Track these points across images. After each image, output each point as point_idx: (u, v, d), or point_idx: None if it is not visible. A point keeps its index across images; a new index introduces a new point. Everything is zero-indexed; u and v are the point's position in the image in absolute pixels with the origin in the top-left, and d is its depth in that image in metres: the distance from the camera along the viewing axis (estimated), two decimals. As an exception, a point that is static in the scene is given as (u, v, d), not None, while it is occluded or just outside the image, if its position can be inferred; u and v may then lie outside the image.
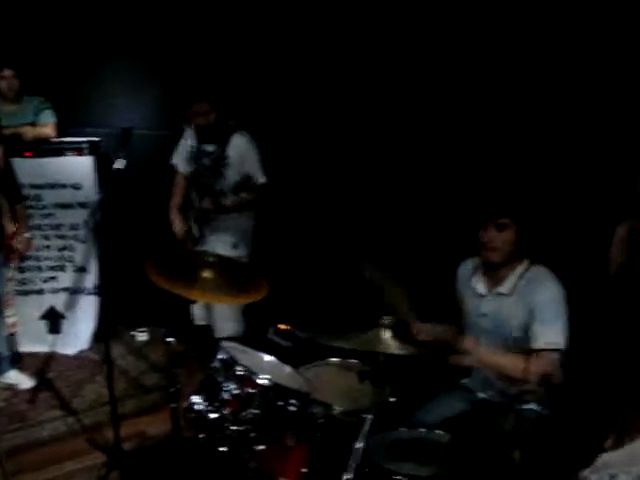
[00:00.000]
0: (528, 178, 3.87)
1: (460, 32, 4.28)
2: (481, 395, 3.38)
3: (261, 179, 4.69)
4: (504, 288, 3.23)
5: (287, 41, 5.28)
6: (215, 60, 5.54)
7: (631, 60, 3.51)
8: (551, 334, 3.04)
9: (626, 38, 3.53)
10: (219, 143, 4.74)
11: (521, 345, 3.11)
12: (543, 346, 3.04)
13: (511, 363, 3.07)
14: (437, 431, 3.05)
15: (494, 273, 3.27)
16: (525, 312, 3.13)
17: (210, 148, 4.78)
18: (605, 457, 1.66)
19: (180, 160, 4.97)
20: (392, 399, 3.24)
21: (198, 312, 5.02)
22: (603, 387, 2.33)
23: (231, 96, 4.84)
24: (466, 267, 3.48)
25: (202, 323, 5.00)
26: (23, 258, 5.07)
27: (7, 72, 5.34)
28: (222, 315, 4.80)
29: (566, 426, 2.91)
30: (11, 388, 4.89)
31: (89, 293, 5.36)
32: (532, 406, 3.09)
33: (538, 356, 3.03)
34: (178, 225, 4.90)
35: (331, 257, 4.97)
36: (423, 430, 3.07)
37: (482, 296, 3.31)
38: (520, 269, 3.23)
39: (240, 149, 4.71)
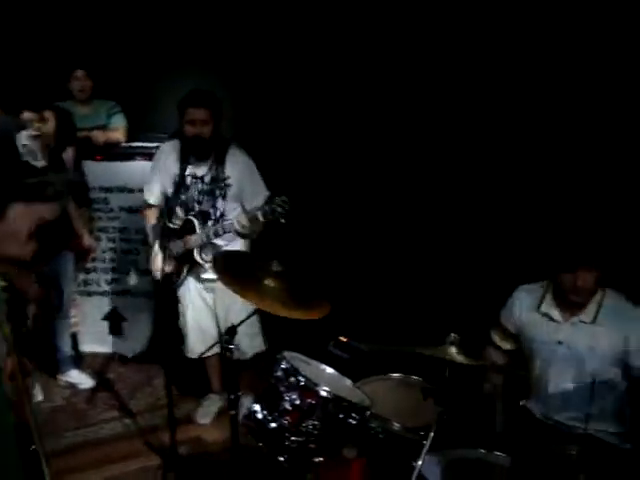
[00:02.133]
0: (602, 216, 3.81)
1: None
2: (544, 418, 3.33)
3: (265, 193, 4.17)
4: (586, 317, 3.20)
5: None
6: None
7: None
8: None
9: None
10: (214, 162, 4.23)
11: (598, 374, 3.07)
12: None
13: None
14: (497, 452, 3.02)
15: (570, 302, 3.23)
16: (618, 343, 3.13)
17: (201, 170, 4.25)
18: None
19: (157, 193, 4.41)
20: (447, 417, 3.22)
21: (194, 342, 4.48)
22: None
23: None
24: (529, 291, 3.43)
25: (194, 357, 4.49)
26: (88, 259, 5.14)
27: (79, 72, 5.41)
28: (249, 333, 4.26)
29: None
30: (72, 387, 4.98)
31: (150, 297, 5.40)
32: (607, 436, 3.13)
33: None
34: (159, 264, 4.23)
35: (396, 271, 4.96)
36: (483, 451, 3.04)
37: (557, 323, 3.26)
38: (598, 296, 3.20)
39: (239, 166, 4.24)
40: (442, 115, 4.72)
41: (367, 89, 5.14)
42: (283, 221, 3.77)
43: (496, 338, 3.52)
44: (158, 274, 4.27)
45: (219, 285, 3.84)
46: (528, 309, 3.38)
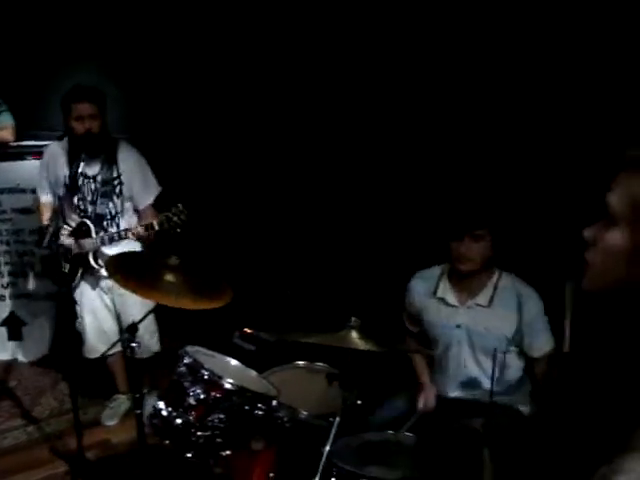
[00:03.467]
0: (499, 186, 3.88)
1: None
2: (450, 394, 3.38)
3: (157, 189, 4.19)
4: (481, 299, 3.26)
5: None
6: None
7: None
8: (548, 341, 3.22)
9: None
10: (105, 161, 4.13)
11: (497, 354, 3.12)
12: (545, 353, 3.23)
13: None
14: (405, 433, 3.04)
15: (465, 283, 3.28)
16: (512, 324, 3.21)
17: (93, 170, 4.13)
18: None
19: (43, 189, 4.34)
20: (359, 402, 3.23)
21: (95, 343, 4.37)
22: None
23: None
24: (424, 278, 3.47)
25: (95, 356, 4.34)
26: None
27: None
28: (149, 330, 4.26)
29: (552, 426, 2.93)
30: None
31: (49, 299, 5.26)
32: (511, 404, 3.25)
33: (540, 362, 3.26)
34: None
35: (294, 259, 4.97)
36: (391, 432, 3.06)
37: (454, 307, 3.31)
38: (493, 279, 3.27)
39: (130, 163, 4.16)
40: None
41: (255, 78, 5.13)
42: (179, 231, 3.74)
43: (407, 323, 3.57)
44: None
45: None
46: (424, 295, 3.42)
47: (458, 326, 3.28)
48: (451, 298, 3.31)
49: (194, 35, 5.38)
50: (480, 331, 3.24)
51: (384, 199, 4.57)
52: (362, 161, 4.67)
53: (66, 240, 4.09)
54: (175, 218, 3.73)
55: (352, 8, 4.55)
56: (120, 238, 4.00)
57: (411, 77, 4.37)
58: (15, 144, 5.29)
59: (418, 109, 4.33)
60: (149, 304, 3.79)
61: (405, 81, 4.42)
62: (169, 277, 3.12)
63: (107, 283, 4.21)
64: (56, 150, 4.23)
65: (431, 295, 3.38)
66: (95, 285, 4.27)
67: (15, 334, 5.33)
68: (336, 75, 4.71)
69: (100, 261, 4.10)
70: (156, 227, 3.80)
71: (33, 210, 4.89)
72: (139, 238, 3.99)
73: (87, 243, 4.08)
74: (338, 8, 4.62)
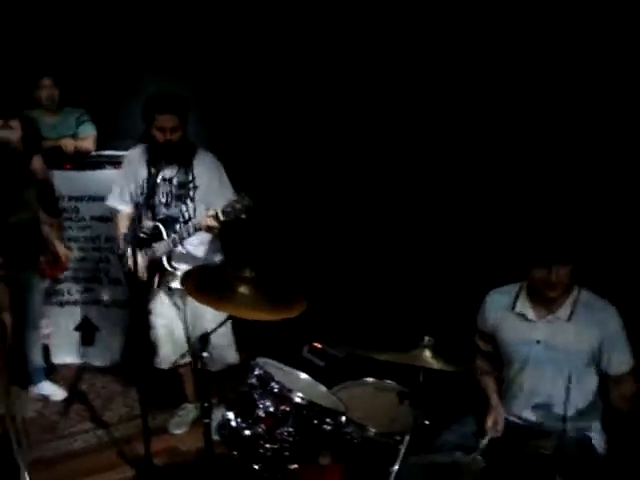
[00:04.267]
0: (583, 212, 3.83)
1: (480, 46, 4.27)
2: (519, 419, 3.32)
3: (231, 196, 4.03)
4: (561, 314, 3.20)
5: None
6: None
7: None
8: (628, 358, 3.16)
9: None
10: (182, 165, 4.17)
11: (574, 372, 3.07)
12: (624, 371, 3.16)
13: None
14: (474, 455, 3.00)
15: (545, 300, 3.23)
16: (593, 341, 3.15)
17: (170, 173, 4.18)
18: None
19: (125, 199, 4.35)
20: (427, 422, 3.20)
21: (167, 353, 4.41)
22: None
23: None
24: (502, 293, 3.43)
25: (167, 367, 4.44)
26: (64, 269, 5.08)
27: (46, 81, 5.33)
28: (224, 342, 4.25)
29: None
30: (44, 399, 4.90)
31: (123, 306, 5.35)
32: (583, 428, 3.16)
33: (620, 381, 3.17)
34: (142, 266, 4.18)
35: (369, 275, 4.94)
36: (459, 454, 3.02)
37: (533, 322, 3.26)
38: (573, 294, 3.21)
39: (207, 168, 4.20)
40: (416, 114, 4.72)
41: (335, 87, 5.15)
42: (244, 217, 3.76)
43: (479, 343, 3.52)
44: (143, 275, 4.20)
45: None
46: (502, 310, 3.37)
47: (537, 342, 3.23)
48: (530, 313, 3.26)
49: (266, 40, 5.43)
50: (559, 347, 3.18)
51: (463, 219, 4.53)
52: (444, 179, 4.63)
53: (142, 247, 4.15)
54: (239, 205, 3.74)
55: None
56: (189, 234, 4.02)
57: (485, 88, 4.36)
58: (95, 153, 5.42)
59: (506, 131, 4.30)
60: (223, 316, 3.83)
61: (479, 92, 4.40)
62: (243, 289, 3.15)
63: (181, 294, 4.24)
64: (136, 155, 4.28)
65: (509, 310, 3.33)
66: (170, 295, 4.31)
67: (88, 339, 5.42)
68: (405, 81, 4.70)
69: (174, 263, 4.15)
70: (221, 217, 3.80)
71: (110, 218, 4.98)
72: (208, 229, 3.98)
73: (160, 246, 4.12)
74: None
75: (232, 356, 4.39)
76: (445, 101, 4.55)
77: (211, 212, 3.89)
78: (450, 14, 4.36)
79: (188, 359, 4.39)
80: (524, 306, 3.29)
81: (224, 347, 4.27)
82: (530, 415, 3.28)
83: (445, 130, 4.61)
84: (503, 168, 4.29)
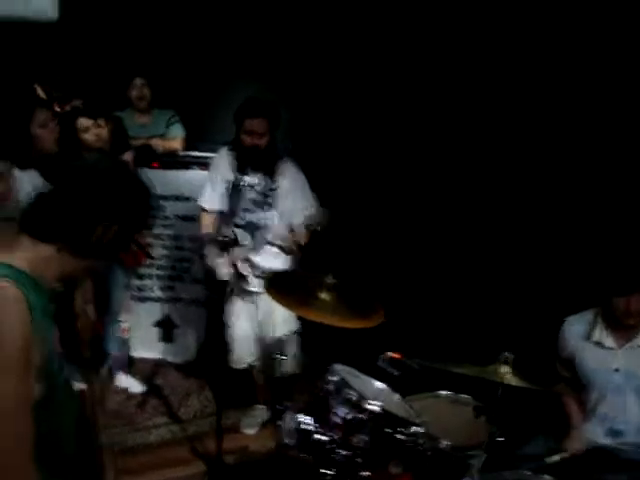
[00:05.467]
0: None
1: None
2: (602, 440, 3.27)
3: (312, 209, 4.10)
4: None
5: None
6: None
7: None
8: None
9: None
10: (266, 172, 4.22)
11: None
12: None
13: None
14: (545, 476, 2.97)
15: (623, 326, 3.18)
16: None
17: (254, 179, 4.22)
18: None
19: (214, 200, 4.37)
20: (501, 438, 3.17)
21: (242, 354, 4.46)
22: None
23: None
24: (578, 322, 3.39)
25: (241, 367, 4.51)
26: (141, 261, 5.19)
27: (138, 81, 5.48)
28: (292, 350, 4.31)
29: None
30: (121, 391, 5.02)
31: (201, 305, 5.43)
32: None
33: None
34: (225, 268, 4.18)
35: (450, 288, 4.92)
36: (528, 472, 2.99)
37: (611, 350, 3.21)
38: None
39: (290, 179, 4.23)
40: (496, 128, 4.69)
41: (416, 102, 5.14)
42: (319, 229, 3.79)
43: (560, 368, 3.49)
44: (226, 276, 4.20)
45: (262, 297, 3.88)
46: (579, 339, 3.34)
47: (616, 370, 3.18)
48: (608, 341, 3.22)
49: (355, 52, 5.46)
50: (635, 373, 3.13)
51: (551, 236, 4.48)
52: (534, 198, 4.60)
53: (221, 250, 4.22)
54: (319, 219, 3.82)
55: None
56: (267, 242, 4.11)
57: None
58: (183, 154, 5.53)
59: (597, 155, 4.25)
60: (292, 323, 3.90)
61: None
62: (324, 295, 3.19)
63: (254, 298, 4.32)
64: (224, 157, 4.35)
65: (586, 339, 3.29)
66: (245, 298, 4.37)
67: (166, 336, 5.53)
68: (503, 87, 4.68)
69: (252, 268, 4.21)
70: (301, 229, 3.93)
71: (194, 218, 5.07)
72: (284, 245, 4.09)
73: (240, 250, 4.17)
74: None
75: (299, 362, 4.42)
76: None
77: (292, 222, 3.96)
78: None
79: (261, 361, 4.46)
80: (602, 335, 3.25)
81: (293, 353, 4.32)
82: (607, 441, 3.23)
83: (535, 149, 4.57)
84: (589, 195, 4.25)
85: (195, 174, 5.30)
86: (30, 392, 1.67)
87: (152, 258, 5.22)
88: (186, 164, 5.42)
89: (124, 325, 5.24)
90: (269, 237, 4.04)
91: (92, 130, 4.58)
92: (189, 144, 5.59)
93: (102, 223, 1.86)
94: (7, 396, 1.62)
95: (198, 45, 5.83)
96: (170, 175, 5.40)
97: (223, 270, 4.18)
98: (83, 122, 4.58)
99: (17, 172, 3.69)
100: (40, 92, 4.99)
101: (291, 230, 3.95)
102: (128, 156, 4.85)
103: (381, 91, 5.38)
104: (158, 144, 5.46)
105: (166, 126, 5.57)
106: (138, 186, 2.03)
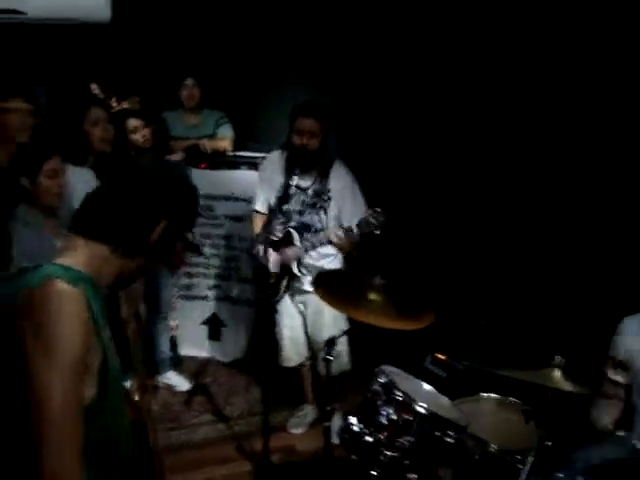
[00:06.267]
0: None
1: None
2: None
3: (364, 212, 4.01)
4: None
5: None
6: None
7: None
8: None
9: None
10: (318, 175, 4.21)
11: None
12: None
13: None
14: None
15: None
16: None
17: (305, 181, 4.20)
18: None
19: (265, 201, 4.39)
20: (549, 443, 3.14)
21: (290, 353, 4.53)
22: None
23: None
24: (636, 322, 3.33)
25: (290, 365, 4.57)
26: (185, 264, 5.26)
27: (188, 81, 5.53)
28: (341, 349, 4.23)
29: None
30: (168, 388, 5.07)
31: (250, 305, 5.46)
32: None
33: None
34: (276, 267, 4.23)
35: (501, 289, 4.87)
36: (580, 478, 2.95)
37: None
38: None
39: (342, 183, 4.20)
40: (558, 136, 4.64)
41: (469, 106, 5.11)
42: (378, 232, 3.79)
43: (609, 370, 3.42)
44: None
45: (312, 297, 3.88)
46: (636, 338, 3.27)
47: None
48: None
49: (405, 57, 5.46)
50: None
51: (606, 242, 4.42)
52: (591, 205, 4.53)
53: (272, 251, 4.24)
54: (373, 220, 3.79)
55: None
56: (321, 243, 4.10)
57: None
58: (231, 154, 5.58)
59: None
60: (342, 324, 3.90)
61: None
62: (373, 296, 3.19)
63: (304, 297, 4.34)
64: (275, 158, 4.35)
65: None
66: (295, 298, 4.40)
67: (214, 334, 5.57)
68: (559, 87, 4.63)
69: (303, 269, 4.23)
70: (354, 230, 3.87)
71: (244, 218, 5.11)
72: (339, 245, 4.08)
73: (291, 252, 4.20)
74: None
75: (347, 362, 4.42)
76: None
77: (344, 226, 3.96)
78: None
79: (309, 361, 4.48)
80: None
81: (342, 352, 4.29)
82: None
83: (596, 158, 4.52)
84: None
85: (244, 174, 5.34)
86: (82, 395, 1.66)
87: (201, 254, 5.27)
88: (235, 164, 5.47)
89: (172, 323, 5.30)
90: (326, 238, 4.04)
91: (141, 131, 4.65)
92: (238, 144, 5.64)
93: (157, 224, 1.87)
94: (57, 397, 1.60)
95: (249, 46, 5.88)
96: (219, 175, 5.45)
97: (274, 269, 4.23)
98: (133, 122, 4.66)
99: (71, 169, 3.73)
100: (96, 90, 5.07)
101: (346, 231, 3.93)
102: (178, 156, 4.91)
103: (430, 94, 5.35)
104: (207, 144, 5.51)
105: (215, 127, 5.62)
106: (186, 187, 2.03)
